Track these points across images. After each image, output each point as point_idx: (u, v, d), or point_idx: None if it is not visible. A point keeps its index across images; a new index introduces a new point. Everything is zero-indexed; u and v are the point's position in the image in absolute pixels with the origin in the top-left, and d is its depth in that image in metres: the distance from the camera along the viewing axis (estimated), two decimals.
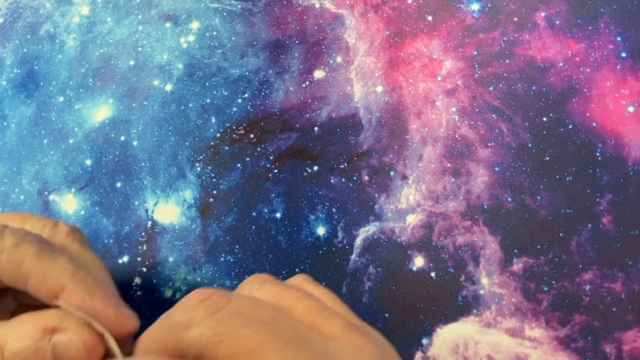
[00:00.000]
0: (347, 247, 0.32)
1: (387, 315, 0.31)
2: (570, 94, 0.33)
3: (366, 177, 0.34)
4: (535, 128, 0.33)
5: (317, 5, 0.38)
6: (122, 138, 0.38)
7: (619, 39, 0.34)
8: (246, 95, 0.37)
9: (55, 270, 0.20)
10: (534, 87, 0.33)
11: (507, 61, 0.34)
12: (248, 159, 0.35)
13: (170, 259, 0.35)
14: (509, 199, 0.32)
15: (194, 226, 0.35)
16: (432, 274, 0.31)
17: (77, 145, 0.38)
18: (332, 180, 0.34)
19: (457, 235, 0.32)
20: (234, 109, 0.37)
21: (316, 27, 0.38)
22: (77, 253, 0.22)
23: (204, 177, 0.36)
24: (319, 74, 0.36)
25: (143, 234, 0.35)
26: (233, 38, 0.39)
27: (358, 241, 0.32)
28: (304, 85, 0.36)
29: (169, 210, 0.35)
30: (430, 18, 0.36)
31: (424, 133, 0.34)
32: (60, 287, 0.19)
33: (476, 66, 0.35)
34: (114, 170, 0.37)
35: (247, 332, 0.16)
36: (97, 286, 0.21)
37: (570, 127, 0.32)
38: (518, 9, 0.35)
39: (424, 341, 0.30)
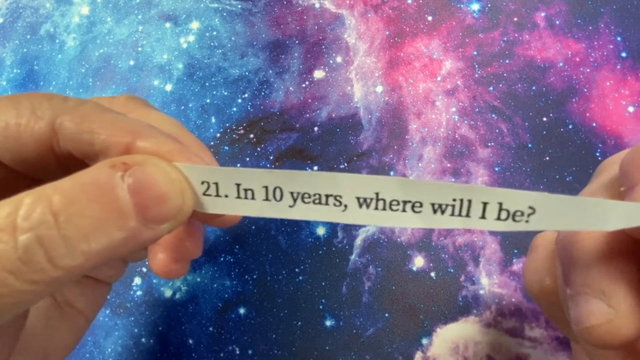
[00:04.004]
0: (347, 247, 0.32)
1: (387, 315, 0.31)
2: (570, 94, 0.33)
3: None
4: (535, 128, 0.33)
5: (317, 5, 0.38)
6: None
7: (619, 39, 0.34)
8: (246, 95, 0.37)
9: (125, 123, 0.17)
10: (534, 87, 0.33)
11: (507, 61, 0.34)
12: (248, 159, 0.35)
13: None
14: None
15: None
16: (432, 274, 0.31)
17: None
18: None
19: (457, 235, 0.32)
20: (234, 109, 0.37)
21: (316, 27, 0.38)
22: (144, 117, 0.20)
23: None
24: (318, 74, 0.36)
25: None
26: (233, 38, 0.39)
27: (358, 241, 0.32)
28: (303, 85, 0.36)
29: None
30: (430, 18, 0.36)
31: (424, 133, 0.34)
32: (132, 137, 0.17)
33: (476, 66, 0.34)
34: None
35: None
36: (175, 139, 0.18)
37: (570, 127, 0.32)
38: (518, 9, 0.35)
39: (424, 341, 0.30)
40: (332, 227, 0.33)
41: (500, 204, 0.14)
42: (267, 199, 0.16)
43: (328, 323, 0.31)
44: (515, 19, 0.35)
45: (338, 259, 0.32)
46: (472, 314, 0.30)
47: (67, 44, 0.41)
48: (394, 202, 0.15)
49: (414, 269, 0.32)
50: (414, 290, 0.31)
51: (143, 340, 0.33)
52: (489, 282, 0.31)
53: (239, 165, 0.35)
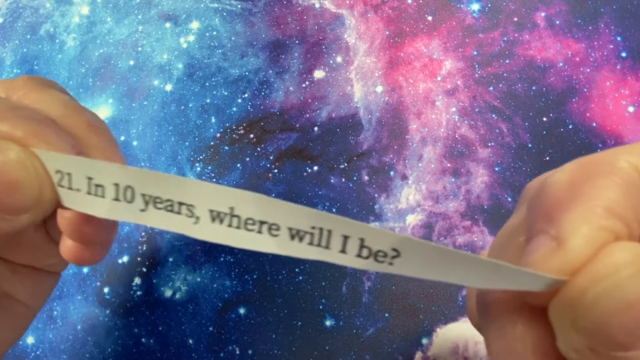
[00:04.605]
0: None
1: (387, 315, 0.31)
2: (570, 94, 0.33)
3: (366, 177, 0.34)
4: (535, 128, 0.33)
5: (317, 5, 0.38)
6: (122, 138, 0.38)
7: (619, 39, 0.34)
8: (246, 95, 0.37)
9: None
10: (534, 87, 0.33)
11: (507, 61, 0.34)
12: (248, 159, 0.35)
13: (170, 259, 0.35)
14: (509, 199, 0.32)
15: None
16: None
17: None
18: (332, 180, 0.34)
19: (457, 235, 0.32)
20: (234, 109, 0.37)
21: (316, 27, 0.38)
22: (38, 97, 0.19)
23: (204, 177, 0.36)
24: (318, 74, 0.36)
25: (143, 234, 0.35)
26: (233, 38, 0.39)
27: None
28: (303, 85, 0.36)
29: None
30: (430, 18, 0.36)
31: (424, 133, 0.34)
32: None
33: (476, 66, 0.34)
34: None
35: None
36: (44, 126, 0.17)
37: (570, 127, 0.32)
38: (518, 9, 0.35)
39: (424, 341, 0.30)
40: None
41: (362, 240, 0.13)
42: (117, 199, 0.15)
43: (328, 323, 0.31)
44: (515, 19, 0.35)
45: None
46: None
47: (67, 44, 0.41)
48: (250, 221, 0.13)
49: None
50: (414, 290, 0.31)
51: (143, 340, 0.33)
52: None
53: (239, 165, 0.35)
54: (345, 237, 0.13)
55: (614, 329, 0.11)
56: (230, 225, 0.14)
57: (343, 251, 0.13)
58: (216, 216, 0.14)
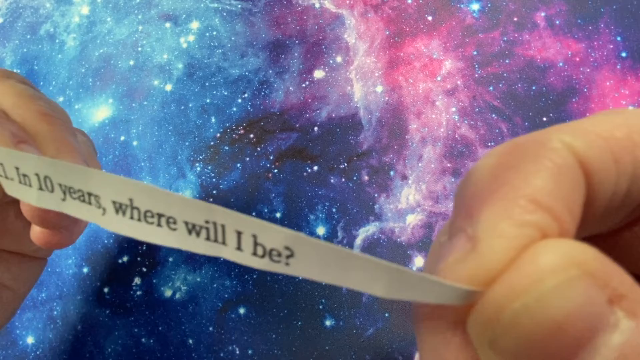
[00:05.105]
0: (347, 247, 0.32)
1: (387, 315, 0.31)
2: (570, 94, 0.33)
3: (366, 177, 0.34)
4: (535, 128, 0.33)
5: (317, 5, 0.38)
6: (122, 138, 0.38)
7: (619, 39, 0.34)
8: (246, 95, 0.37)
9: None
10: (534, 87, 0.33)
11: (507, 61, 0.34)
12: (248, 158, 0.35)
13: (170, 259, 0.35)
14: None
15: None
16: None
17: None
18: (332, 180, 0.34)
19: None
20: (234, 109, 0.37)
21: (316, 27, 0.38)
22: None
23: (203, 177, 0.36)
24: (318, 74, 0.36)
25: None
26: (233, 38, 0.39)
27: (358, 241, 0.32)
28: (303, 85, 0.36)
29: None
30: (430, 18, 0.36)
31: (424, 133, 0.34)
32: None
33: (476, 66, 0.34)
34: (114, 170, 0.37)
35: None
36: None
37: None
38: (518, 9, 0.35)
39: None
40: (332, 226, 0.33)
41: (255, 236, 0.12)
42: (41, 188, 0.15)
43: (328, 323, 0.31)
44: (515, 19, 0.35)
45: None
46: None
47: (67, 44, 0.41)
48: (149, 214, 0.13)
49: (414, 268, 0.32)
50: None
51: (143, 340, 0.33)
52: None
53: (239, 165, 0.35)
54: (239, 233, 0.12)
55: (540, 356, 0.09)
56: (132, 218, 0.13)
57: (239, 248, 0.12)
58: (119, 208, 0.13)
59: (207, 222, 0.12)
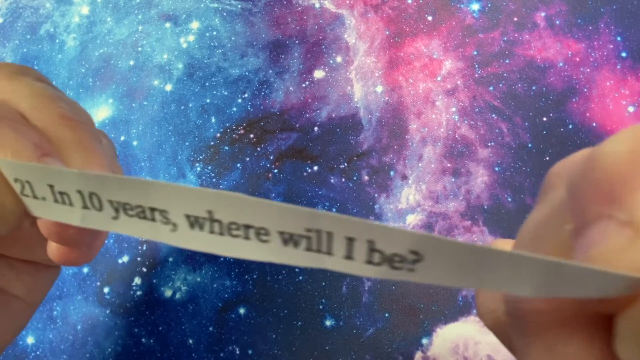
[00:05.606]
0: None
1: (387, 315, 0.31)
2: (570, 94, 0.33)
3: (366, 177, 0.34)
4: (535, 128, 0.33)
5: (317, 5, 0.38)
6: (122, 138, 0.38)
7: (619, 39, 0.34)
8: (246, 95, 0.37)
9: None
10: (534, 87, 0.33)
11: (507, 61, 0.34)
12: (248, 158, 0.35)
13: (170, 259, 0.35)
14: (509, 199, 0.32)
15: None
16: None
17: None
18: (332, 180, 0.34)
19: (457, 235, 0.32)
20: (234, 109, 0.37)
21: (316, 27, 0.38)
22: (3, 91, 0.17)
23: (204, 177, 0.36)
24: (318, 74, 0.36)
25: None
26: (233, 38, 0.39)
27: None
28: (304, 85, 0.36)
29: None
30: (430, 18, 0.36)
31: (424, 133, 0.34)
32: None
33: (476, 66, 0.34)
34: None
35: None
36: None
37: (570, 127, 0.32)
38: (518, 9, 0.35)
39: (424, 341, 0.30)
40: None
41: (371, 242, 0.11)
42: (85, 207, 0.13)
43: (328, 323, 0.31)
44: (515, 19, 0.35)
45: None
46: (472, 314, 0.30)
47: (67, 44, 0.41)
48: (233, 226, 0.12)
49: None
50: (414, 290, 0.31)
51: (143, 340, 0.33)
52: None
53: (239, 165, 0.35)
54: (350, 240, 0.11)
55: None
56: (212, 232, 0.12)
57: (349, 257, 0.11)
58: (194, 221, 0.12)
59: (308, 230, 0.11)
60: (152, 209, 0.12)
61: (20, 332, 0.23)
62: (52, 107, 0.17)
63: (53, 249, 0.18)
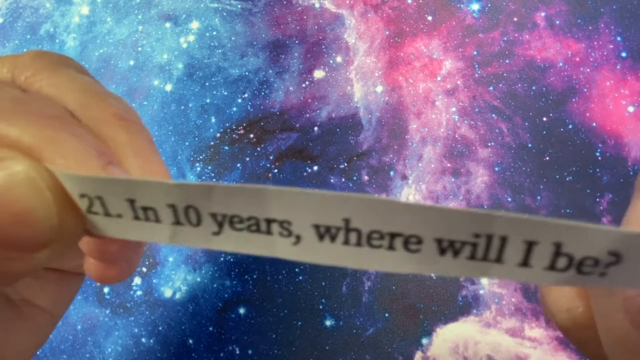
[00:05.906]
0: None
1: (387, 315, 0.31)
2: (570, 94, 0.33)
3: (366, 177, 0.34)
4: (535, 128, 0.33)
5: (317, 5, 0.38)
6: None
7: (619, 39, 0.34)
8: (246, 95, 0.37)
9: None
10: (534, 87, 0.33)
11: (507, 61, 0.34)
12: (248, 158, 0.35)
13: (170, 259, 0.35)
14: (509, 199, 0.32)
15: None
16: (432, 274, 0.31)
17: None
18: (332, 180, 0.34)
19: None
20: (234, 109, 0.37)
21: (316, 27, 0.38)
22: (50, 80, 0.15)
23: (204, 177, 0.36)
24: (318, 74, 0.36)
25: None
26: (233, 38, 0.39)
27: None
28: (303, 85, 0.36)
29: None
30: (430, 18, 0.36)
31: (424, 133, 0.34)
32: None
33: (476, 66, 0.34)
34: None
35: None
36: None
37: (570, 127, 0.32)
38: (518, 9, 0.35)
39: (424, 341, 0.30)
40: None
41: (558, 245, 0.09)
42: (178, 222, 0.12)
43: (328, 323, 0.31)
44: (515, 19, 0.35)
45: None
46: (472, 314, 0.30)
47: (67, 44, 0.41)
48: (375, 235, 0.10)
49: None
50: (414, 290, 0.31)
51: (143, 340, 0.33)
52: (489, 282, 0.31)
53: (239, 165, 0.35)
54: (531, 244, 0.09)
55: None
56: (346, 243, 0.10)
57: (525, 264, 0.10)
58: (325, 232, 0.10)
59: (476, 235, 0.10)
60: (269, 220, 0.11)
61: (42, 346, 0.22)
62: (104, 105, 0.15)
63: (91, 265, 0.16)
